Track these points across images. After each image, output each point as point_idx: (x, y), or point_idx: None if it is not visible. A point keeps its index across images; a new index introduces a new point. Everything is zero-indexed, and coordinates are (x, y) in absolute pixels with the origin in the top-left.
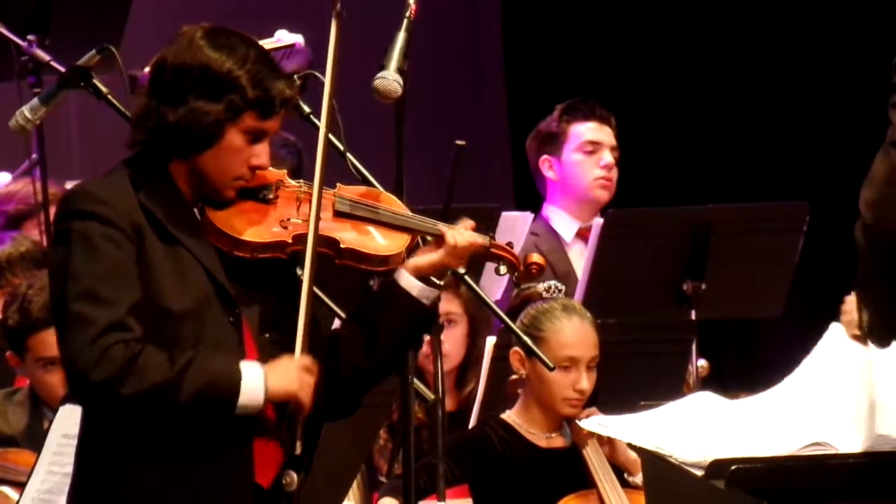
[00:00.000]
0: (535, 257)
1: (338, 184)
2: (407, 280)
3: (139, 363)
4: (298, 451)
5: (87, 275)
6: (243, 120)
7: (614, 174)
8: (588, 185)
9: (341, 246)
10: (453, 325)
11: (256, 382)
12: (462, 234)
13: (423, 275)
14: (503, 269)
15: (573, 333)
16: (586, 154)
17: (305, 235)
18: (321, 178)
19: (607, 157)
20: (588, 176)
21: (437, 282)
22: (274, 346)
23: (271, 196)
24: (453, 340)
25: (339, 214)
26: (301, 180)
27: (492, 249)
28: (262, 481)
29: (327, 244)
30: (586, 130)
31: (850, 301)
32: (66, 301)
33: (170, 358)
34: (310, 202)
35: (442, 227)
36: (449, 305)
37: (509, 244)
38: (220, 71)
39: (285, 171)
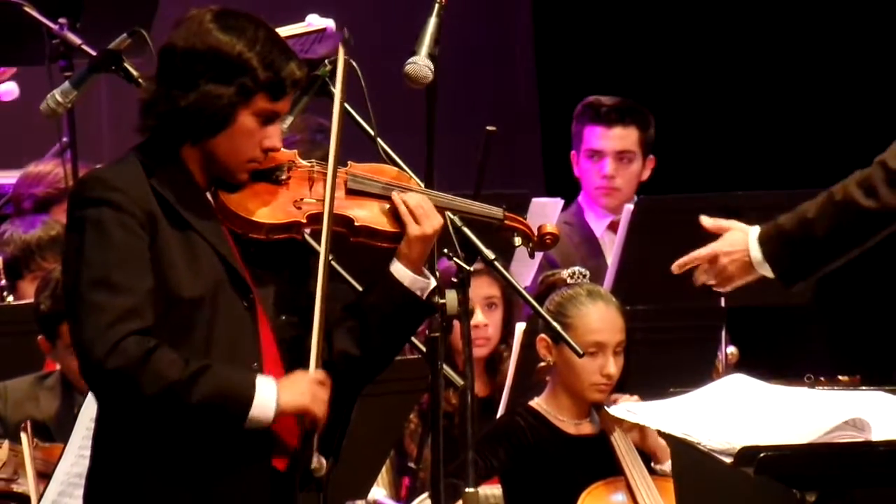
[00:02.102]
0: (549, 227)
1: (350, 161)
2: (399, 270)
3: (154, 359)
4: (316, 465)
5: (101, 262)
6: (255, 102)
7: (618, 182)
8: (593, 193)
9: (356, 224)
10: (494, 308)
11: (269, 395)
12: (410, 195)
13: (408, 259)
14: (518, 239)
15: (599, 318)
16: (591, 160)
17: (319, 215)
18: (336, 154)
19: (607, 166)
20: (591, 183)
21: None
22: (290, 329)
23: (284, 177)
24: (494, 324)
25: (351, 192)
26: (313, 160)
27: (505, 221)
28: (278, 464)
29: (341, 222)
30: (591, 137)
31: (726, 251)
32: (80, 288)
33: (184, 359)
34: (322, 181)
35: (394, 194)
36: (490, 289)
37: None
38: (231, 54)
39: (296, 151)
